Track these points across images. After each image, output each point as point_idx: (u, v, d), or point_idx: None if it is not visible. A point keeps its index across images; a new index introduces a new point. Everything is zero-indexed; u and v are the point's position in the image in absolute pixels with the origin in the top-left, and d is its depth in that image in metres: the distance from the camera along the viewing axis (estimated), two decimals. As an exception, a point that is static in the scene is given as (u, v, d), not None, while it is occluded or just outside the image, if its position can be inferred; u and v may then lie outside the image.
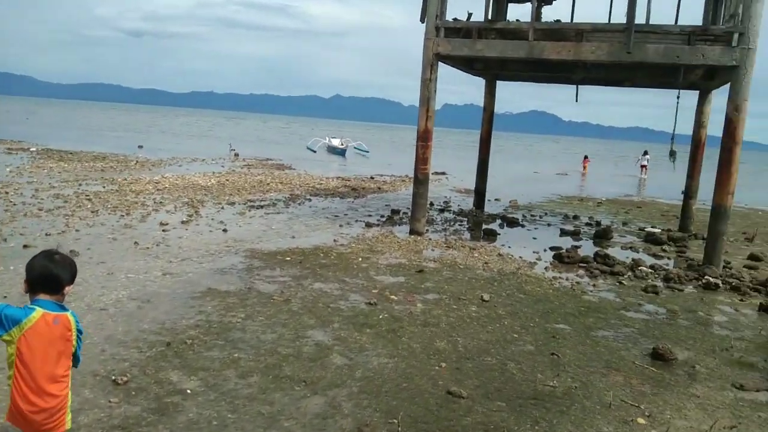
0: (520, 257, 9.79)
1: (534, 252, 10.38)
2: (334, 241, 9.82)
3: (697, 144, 13.64)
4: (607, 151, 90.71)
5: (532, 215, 15.18)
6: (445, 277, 7.91)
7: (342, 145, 39.02)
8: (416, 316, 6.19)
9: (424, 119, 10.60)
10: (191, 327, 5.38)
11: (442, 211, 14.80)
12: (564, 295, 7.57)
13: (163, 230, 9.74)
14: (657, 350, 5.52)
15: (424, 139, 10.67)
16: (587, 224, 14.30)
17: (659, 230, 12.71)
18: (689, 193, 13.79)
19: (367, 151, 40.09)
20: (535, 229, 13.11)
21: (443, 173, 27.22)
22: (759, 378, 5.24)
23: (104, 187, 14.25)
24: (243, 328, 5.47)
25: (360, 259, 8.60)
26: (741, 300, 8.06)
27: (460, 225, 12.83)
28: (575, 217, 15.26)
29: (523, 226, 13.37)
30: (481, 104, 15.23)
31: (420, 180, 10.83)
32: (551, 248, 10.83)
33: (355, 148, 40.95)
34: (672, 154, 11.34)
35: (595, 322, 6.53)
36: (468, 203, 16.44)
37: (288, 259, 8.25)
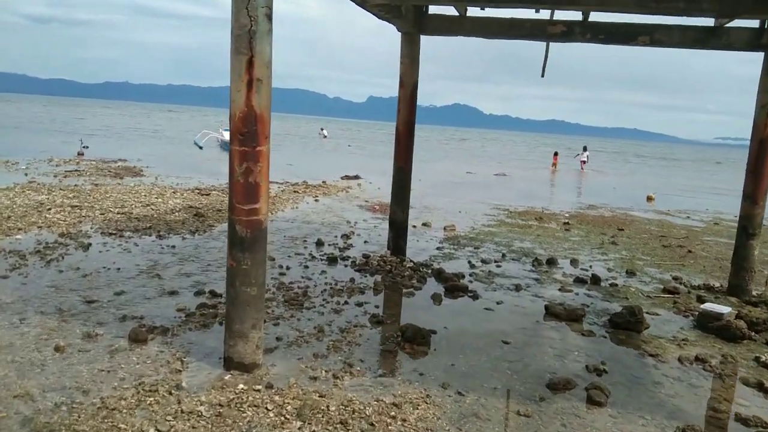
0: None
1: (519, 413, 4.26)
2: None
3: (762, 141, 7.88)
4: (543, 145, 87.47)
5: (483, 261, 9.09)
6: None
7: (237, 140, 31.79)
8: None
9: (243, 87, 4.17)
10: None
11: (333, 260, 8.45)
12: None
13: None
14: None
15: (246, 138, 4.24)
16: (579, 281, 8.34)
17: (728, 310, 6.81)
18: (750, 226, 8.03)
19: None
20: (498, 304, 6.97)
21: (356, 177, 21.02)
22: None
23: None
24: None
25: None
26: None
27: (359, 304, 6.53)
28: (551, 262, 9.31)
29: (474, 296, 7.21)
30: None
31: (244, 240, 4.38)
32: (552, 386, 4.74)
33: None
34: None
35: None
36: (382, 238, 10.19)
37: None
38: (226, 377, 4.40)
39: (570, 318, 6.56)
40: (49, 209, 10.31)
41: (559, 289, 7.82)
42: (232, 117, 4.24)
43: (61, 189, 12.81)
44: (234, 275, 4.41)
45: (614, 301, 7.52)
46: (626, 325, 6.32)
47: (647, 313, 6.85)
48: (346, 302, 6.55)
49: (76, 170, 17.04)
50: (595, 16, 8.10)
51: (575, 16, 8.33)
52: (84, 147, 23.99)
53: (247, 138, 4.23)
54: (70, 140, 28.27)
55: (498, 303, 6.97)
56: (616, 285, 8.27)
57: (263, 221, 4.41)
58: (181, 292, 6.41)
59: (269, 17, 4.16)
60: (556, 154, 37.27)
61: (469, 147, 65.05)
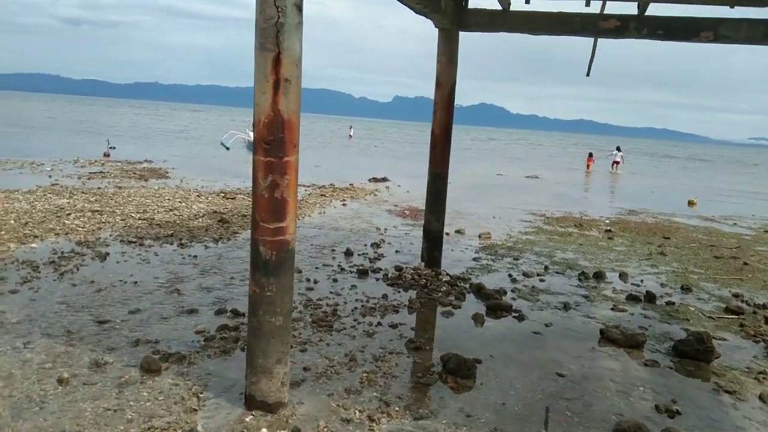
0: None
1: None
2: None
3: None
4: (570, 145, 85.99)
5: (525, 275, 8.44)
6: None
7: (263, 140, 31.43)
8: None
9: (269, 88, 3.61)
10: None
11: (363, 273, 7.88)
12: None
13: None
14: None
15: (272, 147, 3.68)
16: (632, 298, 7.63)
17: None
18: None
19: (295, 148, 32.76)
20: (547, 326, 6.32)
21: (384, 179, 20.47)
22: None
23: None
24: None
25: None
26: None
27: (393, 325, 5.96)
28: (598, 276, 8.61)
29: (520, 317, 6.56)
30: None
31: (268, 263, 3.82)
32: (620, 432, 4.09)
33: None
34: None
35: None
36: (414, 247, 9.63)
37: None
38: (248, 419, 3.85)
39: (629, 344, 5.88)
40: (69, 214, 9.95)
41: (612, 308, 7.14)
42: (256, 123, 3.70)
43: (83, 192, 12.48)
44: (257, 303, 3.86)
45: (674, 322, 6.82)
46: (694, 354, 5.63)
47: (713, 337, 6.14)
48: (379, 323, 5.97)
49: (100, 172, 16.80)
50: (653, 10, 7.41)
51: (629, 9, 7.66)
52: (111, 147, 23.90)
53: (273, 147, 3.68)
54: (97, 140, 28.26)
55: (546, 325, 6.32)
56: (673, 303, 7.55)
57: (290, 242, 3.85)
58: (200, 311, 5.90)
59: (299, 8, 3.60)
60: (590, 155, 36.14)
61: (497, 147, 64.06)
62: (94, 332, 5.14)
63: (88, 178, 15.17)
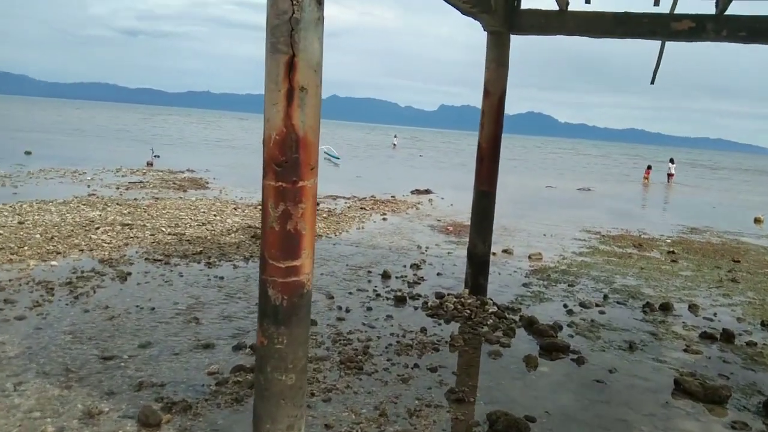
0: None
1: None
2: None
3: None
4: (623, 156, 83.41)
5: (582, 305, 7.56)
6: None
7: (306, 149, 31.17)
8: None
9: (281, 99, 2.96)
10: None
11: (401, 300, 7.18)
12: None
13: None
14: None
15: (284, 169, 3.03)
16: (706, 336, 6.69)
17: None
18: None
19: (338, 158, 32.49)
20: (611, 372, 5.45)
21: (427, 191, 19.75)
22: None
23: None
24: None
25: None
26: None
27: (432, 368, 5.23)
28: (665, 308, 7.66)
29: (578, 359, 5.71)
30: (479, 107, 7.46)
31: (278, 310, 3.15)
32: None
33: (324, 153, 33.31)
34: None
35: None
36: (457, 268, 8.90)
37: None
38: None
39: (710, 399, 4.98)
40: (98, 228, 9.59)
41: (684, 350, 6.23)
42: (266, 141, 3.05)
43: (117, 204, 12.19)
44: (264, 357, 3.20)
45: (759, 369, 5.87)
46: (795, 419, 4.70)
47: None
48: (416, 365, 5.25)
49: (140, 182, 16.62)
50: (733, 8, 6.51)
51: (704, 8, 6.78)
52: (155, 156, 23.94)
53: (286, 170, 3.02)
54: (142, 149, 28.45)
55: (610, 371, 5.47)
56: (755, 344, 6.57)
57: (306, 284, 3.18)
58: (217, 345, 5.30)
59: (319, 1, 2.95)
60: (649, 167, 34.80)
61: (546, 157, 62.36)
62: (95, 371, 4.59)
63: (126, 189, 14.96)
